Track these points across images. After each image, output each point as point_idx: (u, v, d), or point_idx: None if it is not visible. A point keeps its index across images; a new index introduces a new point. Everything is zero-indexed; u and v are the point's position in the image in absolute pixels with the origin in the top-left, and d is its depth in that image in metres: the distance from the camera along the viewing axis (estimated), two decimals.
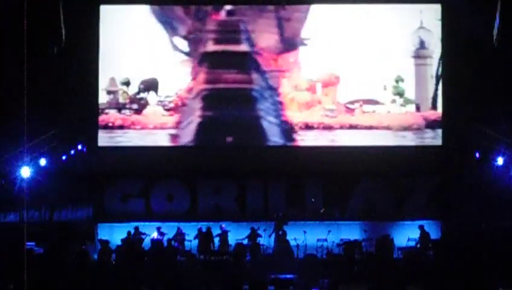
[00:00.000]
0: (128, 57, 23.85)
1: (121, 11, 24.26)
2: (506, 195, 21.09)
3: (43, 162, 21.01)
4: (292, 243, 21.96)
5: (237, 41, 23.86)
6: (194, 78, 23.91)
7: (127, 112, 24.04)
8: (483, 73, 22.58)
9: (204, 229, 22.39)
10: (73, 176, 22.71)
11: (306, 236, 22.11)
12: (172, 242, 21.90)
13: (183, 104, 23.90)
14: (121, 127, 24.04)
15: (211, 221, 22.84)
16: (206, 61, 23.88)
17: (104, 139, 24.01)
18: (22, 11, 17.36)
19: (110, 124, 24.05)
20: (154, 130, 24.00)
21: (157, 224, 22.83)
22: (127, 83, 24.01)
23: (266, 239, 22.35)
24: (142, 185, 24.19)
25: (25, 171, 19.49)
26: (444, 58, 23.88)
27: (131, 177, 23.94)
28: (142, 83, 24.00)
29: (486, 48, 21.96)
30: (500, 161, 21.21)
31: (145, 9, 24.11)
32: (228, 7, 23.92)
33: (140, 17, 24.04)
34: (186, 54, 24.03)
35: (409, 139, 23.89)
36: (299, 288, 17.98)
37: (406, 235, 22.05)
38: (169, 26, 24.05)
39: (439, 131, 23.96)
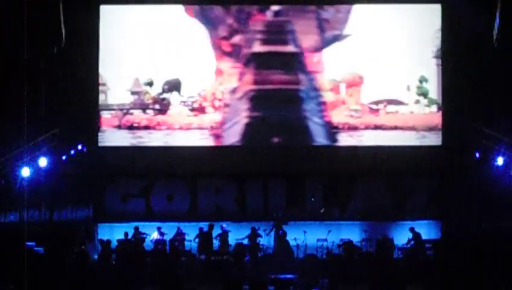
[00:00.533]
0: (151, 58, 23.79)
1: (121, 11, 24.24)
2: (506, 195, 21.07)
3: (43, 162, 20.99)
4: (292, 243, 21.96)
5: (284, 42, 23.78)
6: (239, 79, 23.85)
7: (151, 112, 24.04)
8: (483, 73, 22.57)
9: (205, 229, 22.37)
10: (73, 176, 22.69)
11: (306, 236, 22.11)
12: (173, 242, 21.89)
13: (226, 105, 23.87)
14: (147, 127, 24.02)
15: (211, 221, 22.81)
16: (253, 62, 23.81)
17: (127, 139, 24.01)
18: (22, 11, 17.38)
19: (136, 125, 24.05)
20: (180, 130, 23.99)
21: (157, 224, 22.83)
22: (150, 84, 24.00)
23: (266, 239, 22.35)
24: (142, 185, 24.19)
25: (25, 171, 19.49)
26: (444, 58, 23.87)
27: (131, 177, 23.93)
28: (166, 83, 23.98)
29: (486, 48, 21.97)
30: (500, 161, 21.19)
31: (159, 8, 24.06)
32: (275, 7, 23.84)
33: (152, 17, 23.93)
34: (228, 54, 23.98)
35: (432, 140, 23.86)
36: (299, 288, 17.99)
37: (406, 235, 22.03)
38: (211, 26, 24.01)
39: (439, 131, 23.97)
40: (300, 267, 19.64)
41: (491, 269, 17.17)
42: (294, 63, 23.85)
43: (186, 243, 22.43)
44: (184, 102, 24.00)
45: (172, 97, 24.04)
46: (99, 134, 23.98)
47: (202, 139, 23.98)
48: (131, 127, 24.04)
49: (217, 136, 24.01)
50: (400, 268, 20.05)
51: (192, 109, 24.01)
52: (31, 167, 19.92)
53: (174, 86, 23.99)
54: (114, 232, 22.62)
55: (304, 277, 18.58)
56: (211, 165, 23.50)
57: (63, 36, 22.54)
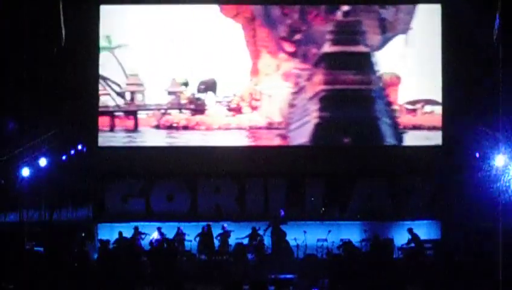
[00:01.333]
0: (188, 58, 23.83)
1: (121, 11, 24.24)
2: (506, 195, 21.05)
3: (43, 162, 20.99)
4: (292, 243, 21.96)
5: (355, 42, 23.78)
6: (308, 79, 23.80)
7: (188, 112, 24.09)
8: (483, 73, 22.56)
9: (206, 228, 22.36)
10: (73, 176, 22.70)
11: (306, 236, 22.11)
12: (173, 242, 21.87)
13: (292, 105, 23.86)
14: (186, 127, 24.06)
15: (211, 221, 22.81)
16: (323, 62, 23.78)
17: (165, 139, 24.09)
18: (22, 11, 17.39)
19: (175, 125, 24.07)
20: (219, 130, 24.04)
21: (157, 224, 22.82)
22: (185, 84, 24.03)
23: (266, 239, 22.34)
24: (142, 185, 24.19)
25: (25, 171, 19.49)
26: (444, 58, 23.87)
27: (131, 177, 23.93)
28: (202, 83, 24.02)
29: (486, 48, 21.96)
30: (500, 161, 21.17)
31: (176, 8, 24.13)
32: (345, 8, 23.80)
33: (187, 16, 24.05)
34: (292, 54, 23.95)
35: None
36: (299, 288, 17.99)
37: (406, 235, 22.01)
38: (273, 26, 24.00)
39: (439, 131, 23.99)
40: (300, 267, 19.63)
41: (491, 269, 17.16)
42: (365, 63, 23.80)
43: (186, 243, 22.42)
44: (219, 102, 24.03)
45: (208, 97, 24.06)
46: (135, 133, 24.04)
47: (240, 139, 24.06)
48: (170, 127, 24.05)
49: (283, 137, 23.97)
50: (400, 268, 20.03)
51: (230, 109, 24.04)
52: (31, 167, 19.91)
53: (209, 86, 24.00)
54: (114, 232, 22.60)
55: (304, 277, 18.57)
56: (211, 165, 23.49)
57: (63, 36, 22.54)
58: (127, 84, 24.04)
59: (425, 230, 22.89)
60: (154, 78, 23.94)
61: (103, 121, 23.99)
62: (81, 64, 23.33)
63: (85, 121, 23.58)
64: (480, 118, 22.29)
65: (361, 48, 23.81)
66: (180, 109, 24.10)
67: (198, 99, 24.07)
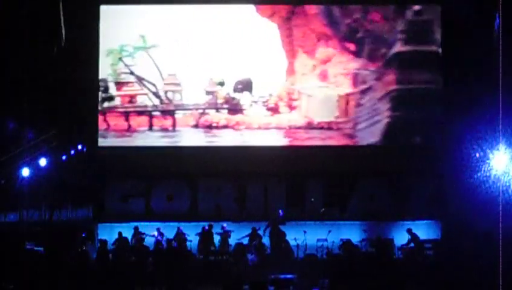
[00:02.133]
0: (224, 58, 23.90)
1: (121, 11, 24.24)
2: (506, 195, 21.06)
3: (43, 162, 21.00)
4: (292, 243, 21.95)
5: (427, 42, 23.78)
6: (377, 79, 23.78)
7: (225, 111, 24.16)
8: (483, 72, 22.55)
9: (206, 228, 22.36)
10: (73, 176, 22.71)
11: (306, 236, 22.11)
12: (173, 242, 21.88)
13: (359, 105, 23.85)
14: (225, 127, 24.10)
15: (211, 221, 22.81)
16: (395, 61, 23.75)
17: (203, 138, 24.16)
18: (23, 11, 17.40)
19: (215, 124, 24.12)
20: (259, 130, 24.08)
21: (157, 224, 22.81)
22: (221, 84, 24.05)
23: (266, 239, 22.35)
24: (142, 185, 24.19)
25: (25, 171, 19.50)
26: (444, 58, 23.88)
27: (132, 177, 23.93)
28: (238, 83, 24.05)
29: (486, 48, 21.95)
30: (500, 161, 21.17)
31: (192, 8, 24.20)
32: (417, 7, 23.78)
33: (223, 16, 24.16)
34: (355, 54, 23.95)
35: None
36: (299, 288, 17.98)
37: (405, 235, 22.02)
38: (334, 25, 24.03)
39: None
40: (300, 267, 19.62)
41: (491, 270, 17.16)
42: (437, 62, 23.77)
43: (188, 243, 22.40)
44: (255, 102, 24.05)
45: (243, 97, 24.06)
46: (173, 133, 24.09)
47: (279, 139, 24.09)
48: (210, 127, 24.09)
49: (350, 136, 23.95)
50: (400, 268, 20.03)
51: (268, 109, 24.05)
52: (31, 167, 19.92)
53: (245, 85, 24.01)
54: (114, 232, 22.60)
55: (304, 277, 18.57)
56: (211, 165, 23.49)
57: (63, 36, 22.54)
58: (165, 84, 24.08)
59: (425, 230, 22.89)
60: (192, 78, 23.98)
61: (141, 121, 24.08)
62: (81, 64, 23.33)
63: (85, 121, 23.58)
64: (480, 118, 22.29)
65: (433, 48, 23.75)
66: (217, 109, 24.12)
67: (233, 99, 24.08)
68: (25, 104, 17.48)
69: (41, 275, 17.16)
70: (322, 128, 24.00)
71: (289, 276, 18.57)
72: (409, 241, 21.72)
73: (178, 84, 24.04)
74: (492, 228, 21.36)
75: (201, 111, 24.10)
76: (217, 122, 24.09)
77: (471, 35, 22.71)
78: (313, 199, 24.16)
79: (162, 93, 24.08)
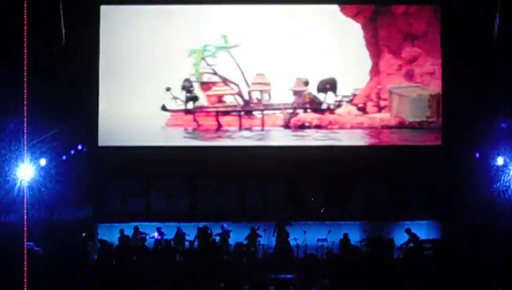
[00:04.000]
0: (308, 58, 23.95)
1: (121, 11, 24.25)
2: (506, 195, 21.09)
3: (43, 162, 20.99)
4: (292, 243, 21.97)
5: None
6: None
7: (314, 111, 24.22)
8: (483, 73, 22.58)
9: (201, 227, 22.35)
10: (73, 176, 22.70)
11: (306, 236, 22.12)
12: (172, 242, 21.89)
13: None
14: (319, 126, 24.14)
15: (211, 221, 22.83)
16: None
17: (291, 138, 24.23)
18: (22, 11, 17.38)
19: (307, 124, 24.14)
20: (352, 129, 24.12)
21: (157, 224, 22.82)
22: (306, 83, 24.07)
23: (266, 239, 22.35)
24: (142, 185, 24.19)
25: (25, 171, 19.48)
26: (444, 58, 23.88)
27: (131, 177, 23.92)
28: (322, 82, 24.06)
29: (486, 48, 21.97)
30: (500, 161, 21.20)
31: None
32: None
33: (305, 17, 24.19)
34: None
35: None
36: (299, 288, 17.99)
37: (405, 235, 22.02)
38: None
39: (439, 131, 24.01)
40: (300, 267, 19.63)
41: (491, 270, 17.18)
42: None
43: (186, 243, 22.41)
44: (339, 101, 24.05)
45: (328, 97, 24.08)
46: (262, 132, 24.23)
47: (368, 139, 24.17)
48: (302, 127, 24.13)
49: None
50: (400, 268, 20.03)
51: (359, 109, 24.08)
52: (31, 167, 19.92)
53: (330, 85, 23.99)
54: (114, 232, 22.61)
55: (304, 277, 18.58)
56: (211, 165, 23.49)
57: (63, 36, 22.54)
58: (253, 84, 24.14)
59: (425, 230, 22.90)
60: (278, 78, 24.03)
61: (230, 121, 24.18)
62: (81, 64, 23.33)
63: (85, 121, 23.57)
64: (480, 118, 22.31)
65: None
66: (305, 109, 24.15)
67: (316, 98, 24.09)
68: (25, 104, 17.46)
69: (41, 275, 17.16)
70: (413, 128, 24.00)
71: (289, 276, 18.58)
72: (408, 241, 21.72)
73: (267, 84, 24.12)
74: (492, 227, 21.41)
75: (291, 111, 24.13)
76: (310, 122, 24.12)
77: (471, 35, 22.71)
78: (313, 199, 24.17)
79: (245, 93, 24.16)
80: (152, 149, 23.99)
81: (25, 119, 17.06)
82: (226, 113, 24.25)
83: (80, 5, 23.17)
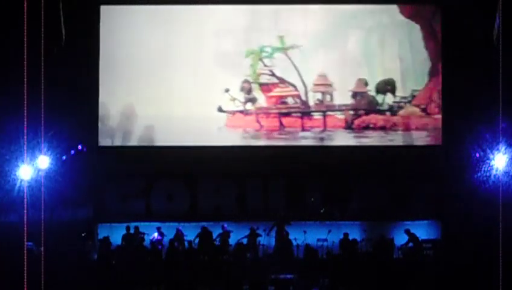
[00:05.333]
0: (365, 59, 24.04)
1: (121, 11, 24.25)
2: (506, 195, 21.06)
3: (43, 162, 20.96)
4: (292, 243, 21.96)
5: None
6: None
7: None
8: (483, 73, 22.56)
9: (206, 229, 22.36)
10: (73, 176, 22.69)
11: (306, 236, 22.11)
12: (173, 242, 21.88)
13: None
14: (383, 128, 24.14)
15: (211, 221, 22.82)
16: None
17: (353, 139, 24.24)
18: (22, 11, 17.37)
19: (371, 125, 24.14)
20: (417, 131, 24.10)
21: (157, 224, 22.82)
22: (366, 84, 24.10)
23: (266, 239, 22.35)
24: (142, 185, 24.19)
25: (25, 171, 19.47)
26: (444, 58, 23.89)
27: (131, 177, 23.92)
28: (381, 83, 24.08)
29: (486, 48, 21.96)
30: (500, 161, 21.17)
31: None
32: None
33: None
34: None
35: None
36: (299, 288, 18.00)
37: (406, 235, 22.02)
38: None
39: (439, 131, 24.01)
40: (300, 267, 19.63)
41: (491, 270, 17.17)
42: None
43: (186, 243, 22.41)
44: (397, 102, 24.03)
45: (387, 98, 24.06)
46: (324, 134, 24.13)
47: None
48: (366, 128, 24.13)
49: None
50: (400, 268, 20.05)
51: (422, 110, 24.06)
52: (31, 166, 19.90)
53: (389, 86, 23.97)
54: (114, 232, 22.60)
55: (304, 277, 18.59)
56: (211, 165, 23.49)
57: (63, 36, 22.54)
58: (315, 85, 24.13)
59: (425, 230, 22.90)
60: (339, 79, 24.07)
61: (290, 122, 24.22)
62: (81, 64, 23.33)
63: (85, 121, 23.57)
64: (480, 118, 22.30)
65: None
66: (365, 110, 24.15)
67: (375, 99, 24.14)
68: (25, 104, 17.45)
69: (41, 275, 17.15)
70: None
71: (289, 276, 18.59)
72: (408, 242, 21.72)
73: (329, 85, 24.09)
74: (492, 227, 21.40)
75: (352, 112, 24.13)
76: (374, 124, 24.12)
77: (471, 35, 22.71)
78: (313, 199, 24.17)
79: (302, 94, 24.14)
80: (152, 149, 23.99)
81: (25, 119, 17.02)
82: (287, 114, 24.24)
83: (80, 5, 23.17)
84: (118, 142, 24.15)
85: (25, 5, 17.50)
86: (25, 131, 17.50)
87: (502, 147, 20.94)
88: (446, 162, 23.39)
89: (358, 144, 24.13)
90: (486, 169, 21.45)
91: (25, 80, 17.96)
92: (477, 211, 22.16)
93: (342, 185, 24.08)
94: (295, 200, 24.05)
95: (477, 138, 22.11)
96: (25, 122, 17.14)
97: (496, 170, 20.91)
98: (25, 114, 17.04)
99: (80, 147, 23.54)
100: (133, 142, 24.24)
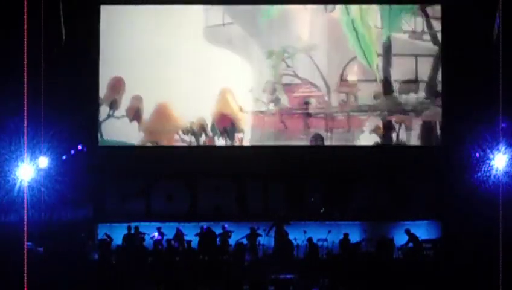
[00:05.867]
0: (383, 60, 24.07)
1: (121, 11, 24.25)
2: (506, 195, 21.05)
3: (43, 162, 20.97)
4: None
5: None
6: None
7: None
8: (483, 73, 22.56)
9: (205, 229, 22.35)
10: (73, 176, 22.70)
11: (306, 236, 22.11)
12: (172, 242, 21.89)
13: None
14: (409, 128, 24.19)
15: (211, 221, 22.82)
16: None
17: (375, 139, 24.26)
18: (22, 11, 17.37)
19: (396, 126, 24.21)
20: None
21: (157, 224, 22.82)
22: (388, 85, 24.19)
23: (266, 239, 22.35)
24: (142, 185, 24.19)
25: (25, 171, 19.47)
26: (444, 58, 23.89)
27: (131, 177, 23.92)
28: (406, 83, 24.11)
29: (486, 48, 21.96)
30: (500, 161, 21.17)
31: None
32: None
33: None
34: None
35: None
36: (299, 288, 17.99)
37: (406, 235, 22.02)
38: None
39: (439, 131, 24.01)
40: (300, 267, 19.63)
41: (491, 270, 17.17)
42: None
43: (185, 243, 22.41)
44: (421, 103, 24.05)
45: (410, 98, 24.10)
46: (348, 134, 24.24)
47: None
48: (391, 128, 24.14)
49: None
50: (400, 268, 20.04)
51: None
52: (31, 167, 19.90)
53: (412, 86, 24.03)
54: (114, 232, 22.60)
55: (304, 277, 18.58)
56: (211, 165, 23.49)
57: (63, 36, 22.54)
58: (340, 86, 24.19)
59: (425, 230, 22.90)
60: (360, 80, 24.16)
61: (313, 122, 24.23)
62: (81, 65, 23.33)
63: (85, 121, 23.57)
64: (480, 118, 22.29)
65: None
66: (390, 111, 24.19)
67: (398, 99, 24.19)
68: (25, 104, 17.45)
69: (41, 275, 17.16)
70: None
71: (289, 276, 18.58)
72: (408, 242, 21.72)
73: (354, 86, 24.11)
74: (492, 227, 21.38)
75: (377, 113, 24.16)
76: (400, 124, 24.14)
77: (471, 35, 22.70)
78: (313, 199, 24.17)
79: (327, 95, 24.19)
80: (152, 149, 24.00)
81: (25, 119, 17.03)
82: (311, 115, 24.23)
83: (80, 5, 23.17)
84: (118, 142, 24.14)
85: (25, 5, 17.50)
86: (25, 131, 17.50)
87: (502, 147, 20.93)
88: (446, 162, 23.39)
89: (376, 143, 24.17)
90: (486, 169, 21.44)
91: (25, 80, 17.96)
92: (477, 211, 22.15)
93: (342, 185, 24.08)
94: (295, 200, 24.05)
95: (477, 138, 22.11)
96: (25, 122, 17.13)
97: (496, 170, 20.90)
98: (25, 114, 17.04)
99: (80, 147, 23.53)
100: (133, 141, 24.26)
